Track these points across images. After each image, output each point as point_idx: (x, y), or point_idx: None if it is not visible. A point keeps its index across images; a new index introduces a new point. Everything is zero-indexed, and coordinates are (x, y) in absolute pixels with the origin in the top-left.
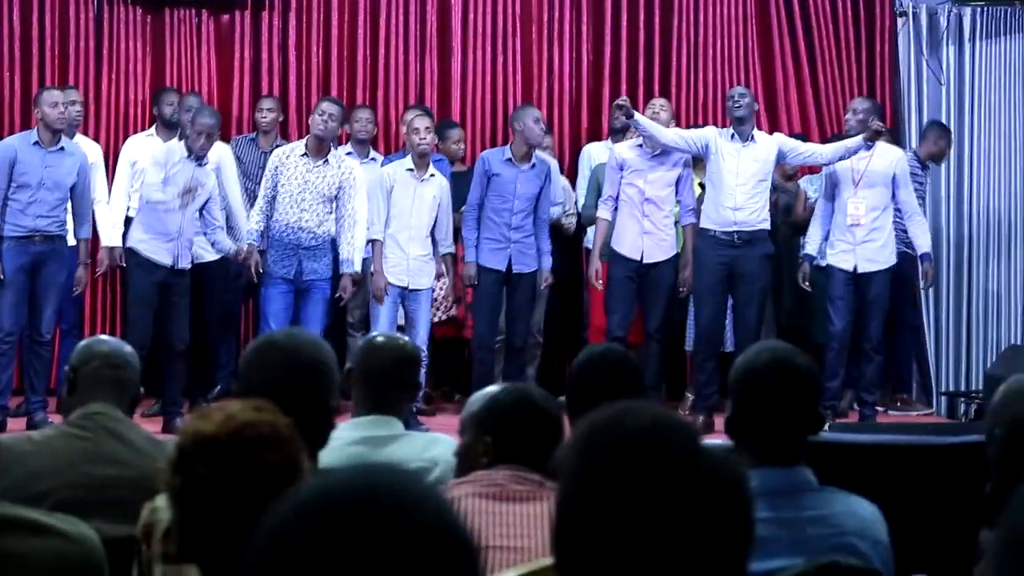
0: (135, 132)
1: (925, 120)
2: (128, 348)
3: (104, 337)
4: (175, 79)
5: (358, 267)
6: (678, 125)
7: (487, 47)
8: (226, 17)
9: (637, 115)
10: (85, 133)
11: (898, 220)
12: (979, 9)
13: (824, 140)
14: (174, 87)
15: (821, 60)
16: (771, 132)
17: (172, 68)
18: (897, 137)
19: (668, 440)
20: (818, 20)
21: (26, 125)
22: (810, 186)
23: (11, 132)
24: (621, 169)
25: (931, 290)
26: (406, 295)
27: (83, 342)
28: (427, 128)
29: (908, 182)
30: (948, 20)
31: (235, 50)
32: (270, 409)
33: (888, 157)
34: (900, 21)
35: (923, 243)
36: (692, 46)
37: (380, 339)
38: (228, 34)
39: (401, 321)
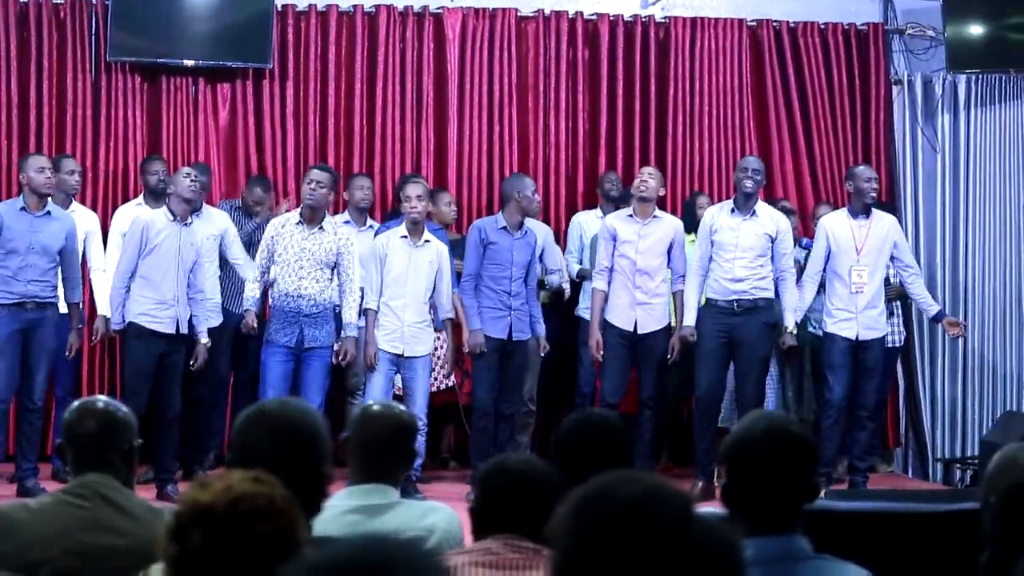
0: (131, 200)
1: (921, 187)
2: (124, 412)
3: (100, 398)
4: (172, 147)
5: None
6: (674, 194)
7: (483, 116)
8: (223, 86)
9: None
10: (82, 201)
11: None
12: (974, 77)
13: (816, 200)
14: (163, 155)
15: (817, 129)
16: (768, 201)
17: (169, 136)
18: (893, 204)
19: (660, 509)
20: (814, 89)
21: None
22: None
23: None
24: (614, 240)
25: (927, 358)
26: (401, 363)
27: (77, 403)
28: (419, 196)
29: (905, 243)
30: (943, 88)
31: (232, 118)
32: (269, 480)
33: (885, 224)
34: (895, 89)
35: (933, 303)
36: (688, 116)
37: (375, 407)
38: (225, 102)
39: (399, 389)
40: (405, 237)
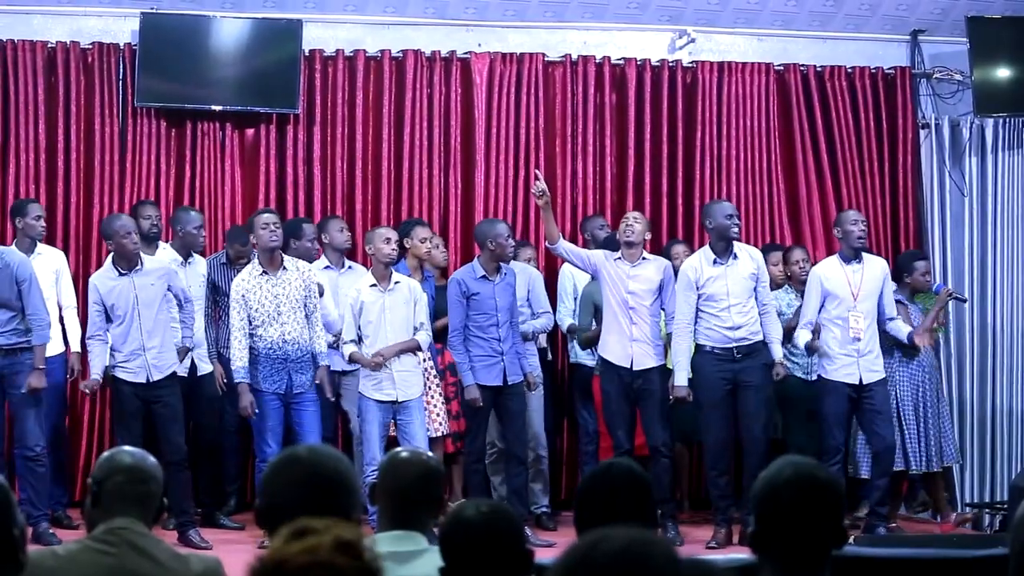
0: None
1: (949, 231)
2: (152, 460)
3: (128, 449)
4: (198, 192)
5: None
6: (702, 238)
7: (511, 160)
8: (250, 131)
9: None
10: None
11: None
12: (1001, 120)
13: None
14: (186, 200)
15: (844, 172)
16: (795, 243)
17: (195, 181)
18: (921, 248)
19: (648, 556)
20: (841, 133)
21: (51, 238)
22: (780, 302)
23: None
24: (602, 282)
25: (955, 401)
26: (397, 408)
27: (106, 454)
28: (394, 240)
29: (891, 290)
30: (971, 132)
31: (259, 163)
32: (358, 548)
33: (877, 269)
34: (923, 133)
35: (906, 329)
36: (715, 159)
37: (404, 454)
38: (252, 147)
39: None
40: (374, 285)
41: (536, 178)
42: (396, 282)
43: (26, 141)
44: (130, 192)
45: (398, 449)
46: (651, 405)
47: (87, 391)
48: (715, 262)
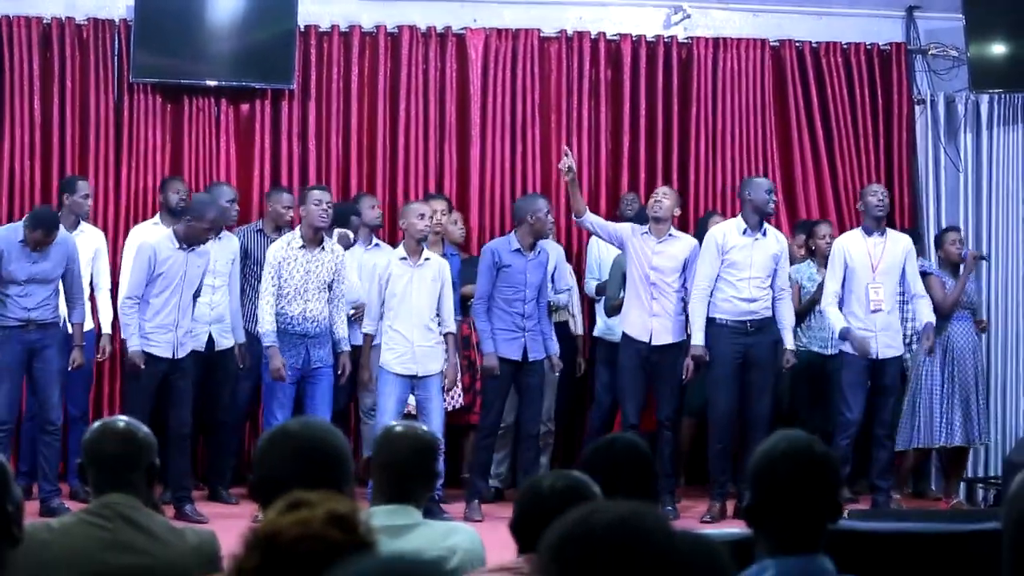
0: (148, 219)
1: (944, 207)
2: (144, 430)
3: (121, 418)
4: (193, 167)
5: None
6: (696, 213)
7: (506, 136)
8: (245, 106)
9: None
10: (104, 221)
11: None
12: (996, 96)
13: (842, 227)
14: (185, 176)
15: (839, 148)
16: (790, 220)
17: (191, 156)
18: (915, 224)
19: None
20: (836, 109)
21: None
22: (801, 275)
23: None
24: (626, 254)
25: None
26: (416, 383)
27: (96, 424)
28: (428, 215)
29: (916, 266)
30: (966, 108)
31: (254, 138)
32: (353, 523)
33: (900, 244)
34: (918, 109)
35: (926, 316)
36: (711, 135)
37: (399, 428)
38: (247, 122)
39: (412, 409)
40: (405, 258)
41: (565, 154)
42: (427, 259)
43: (21, 117)
44: (126, 167)
45: (393, 423)
46: (664, 380)
47: (138, 362)
48: (745, 231)
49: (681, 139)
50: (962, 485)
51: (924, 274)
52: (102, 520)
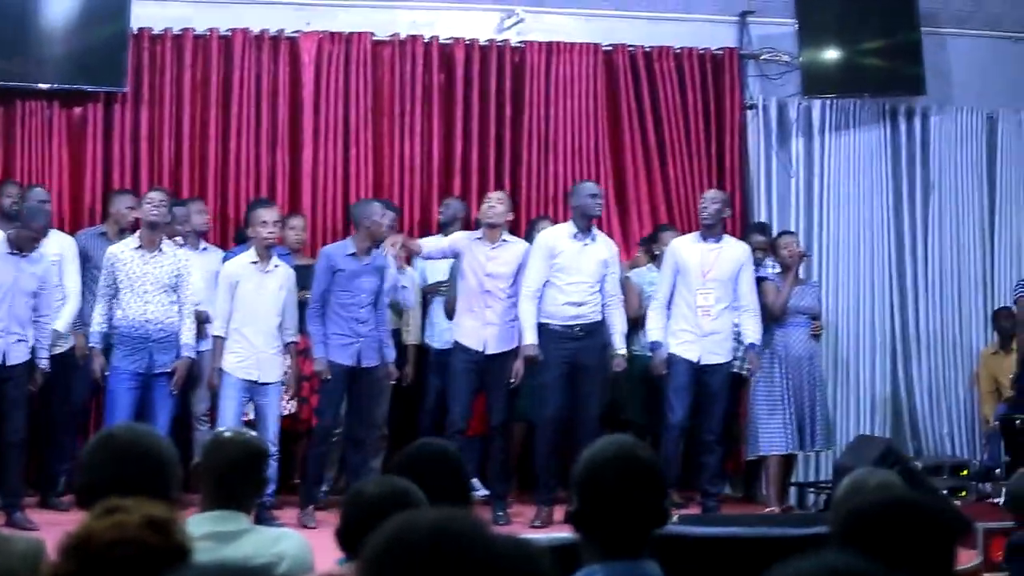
0: None
1: (776, 212)
2: None
3: None
4: (26, 170)
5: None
6: (528, 219)
7: (338, 140)
8: (78, 109)
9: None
10: None
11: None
12: (828, 102)
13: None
14: (16, 179)
15: (672, 153)
16: (622, 225)
17: (23, 159)
18: (746, 228)
19: (456, 536)
20: (668, 114)
21: None
22: (642, 280)
23: None
24: (460, 260)
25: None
26: (255, 389)
27: None
28: (274, 221)
29: (751, 277)
30: (798, 112)
31: (87, 142)
32: (169, 528)
33: (736, 252)
34: (749, 114)
35: (752, 335)
36: (543, 140)
37: (227, 434)
38: (79, 126)
39: (251, 415)
40: (255, 263)
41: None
42: (276, 265)
43: None
44: None
45: (221, 428)
46: (496, 387)
47: None
48: (574, 236)
49: (513, 144)
50: (792, 490)
51: (761, 279)
52: None
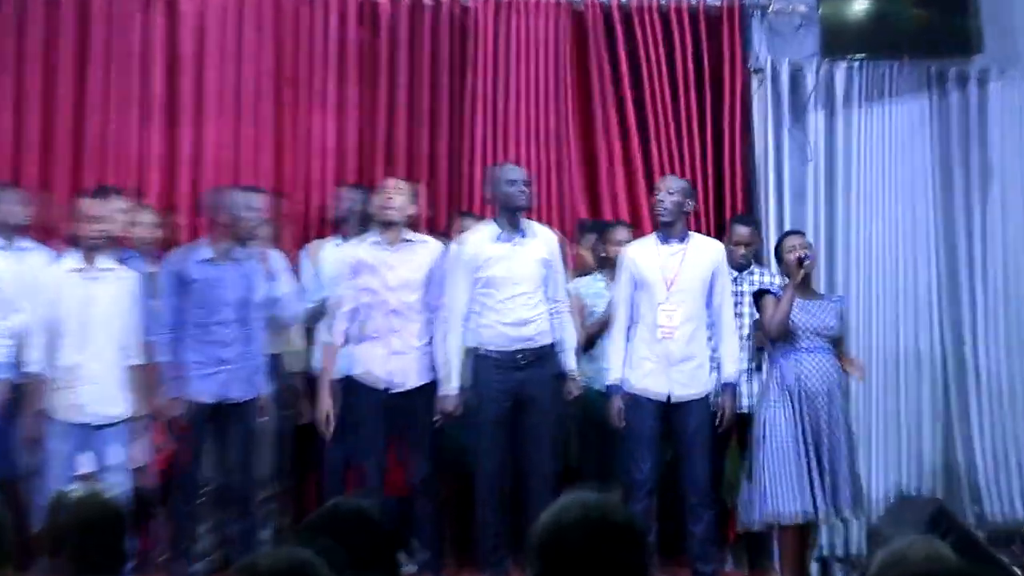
0: None
1: (787, 206)
2: None
3: None
4: None
5: None
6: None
7: (227, 115)
8: None
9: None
10: None
11: None
12: (855, 65)
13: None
14: None
15: (656, 134)
16: (605, 219)
17: None
18: (751, 211)
19: None
20: (652, 84)
21: None
22: (588, 290)
23: None
24: (356, 273)
25: None
26: (89, 433)
27: None
28: (110, 216)
29: (726, 286)
30: (816, 79)
31: None
32: None
33: (707, 255)
34: (755, 81)
35: (726, 371)
36: (492, 117)
37: (78, 493)
38: None
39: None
40: (81, 269)
41: None
42: (109, 268)
43: None
44: None
45: (71, 486)
46: (413, 432)
47: None
48: (499, 238)
49: (454, 121)
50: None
51: (761, 293)
52: None
